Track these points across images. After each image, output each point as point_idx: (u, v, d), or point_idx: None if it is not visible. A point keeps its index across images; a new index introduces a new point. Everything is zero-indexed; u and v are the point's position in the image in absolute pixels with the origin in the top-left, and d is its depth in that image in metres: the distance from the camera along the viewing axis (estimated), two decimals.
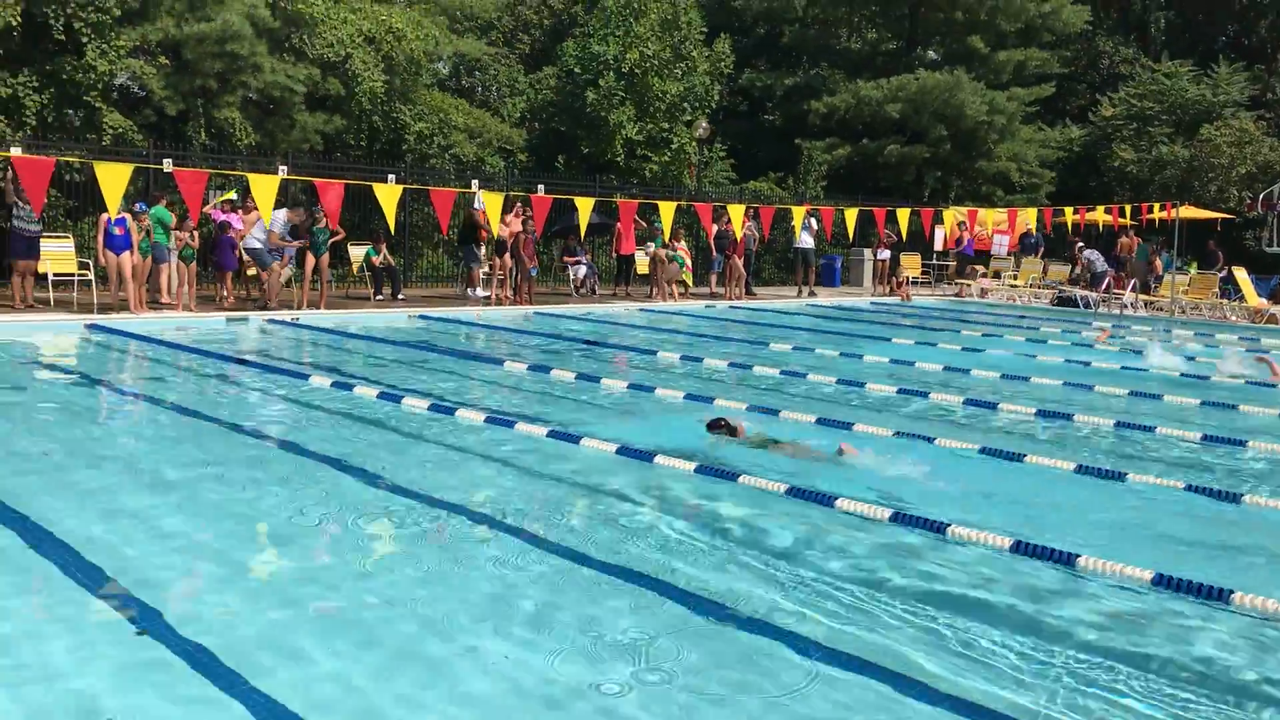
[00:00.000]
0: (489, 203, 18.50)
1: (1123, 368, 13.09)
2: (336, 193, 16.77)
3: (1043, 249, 27.94)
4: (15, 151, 14.85)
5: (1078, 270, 25.26)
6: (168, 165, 15.92)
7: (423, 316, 16.73)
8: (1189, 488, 6.91)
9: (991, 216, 28.15)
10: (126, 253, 14.76)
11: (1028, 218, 27.71)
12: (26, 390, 9.89)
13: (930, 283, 28.24)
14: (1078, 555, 5.26)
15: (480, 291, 19.37)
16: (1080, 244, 26.18)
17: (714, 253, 23.16)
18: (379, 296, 19.11)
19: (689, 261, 23.49)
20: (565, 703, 3.74)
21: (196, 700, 3.61)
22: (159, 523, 5.65)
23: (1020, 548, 5.44)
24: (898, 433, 8.33)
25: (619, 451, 7.38)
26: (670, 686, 3.84)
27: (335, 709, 3.62)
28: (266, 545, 5.55)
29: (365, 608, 4.55)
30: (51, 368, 11.65)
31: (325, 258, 16.87)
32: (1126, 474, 7.15)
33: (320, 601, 4.62)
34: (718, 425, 8.00)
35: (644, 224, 22.11)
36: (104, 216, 14.62)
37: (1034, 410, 9.72)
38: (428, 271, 23.61)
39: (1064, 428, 9.21)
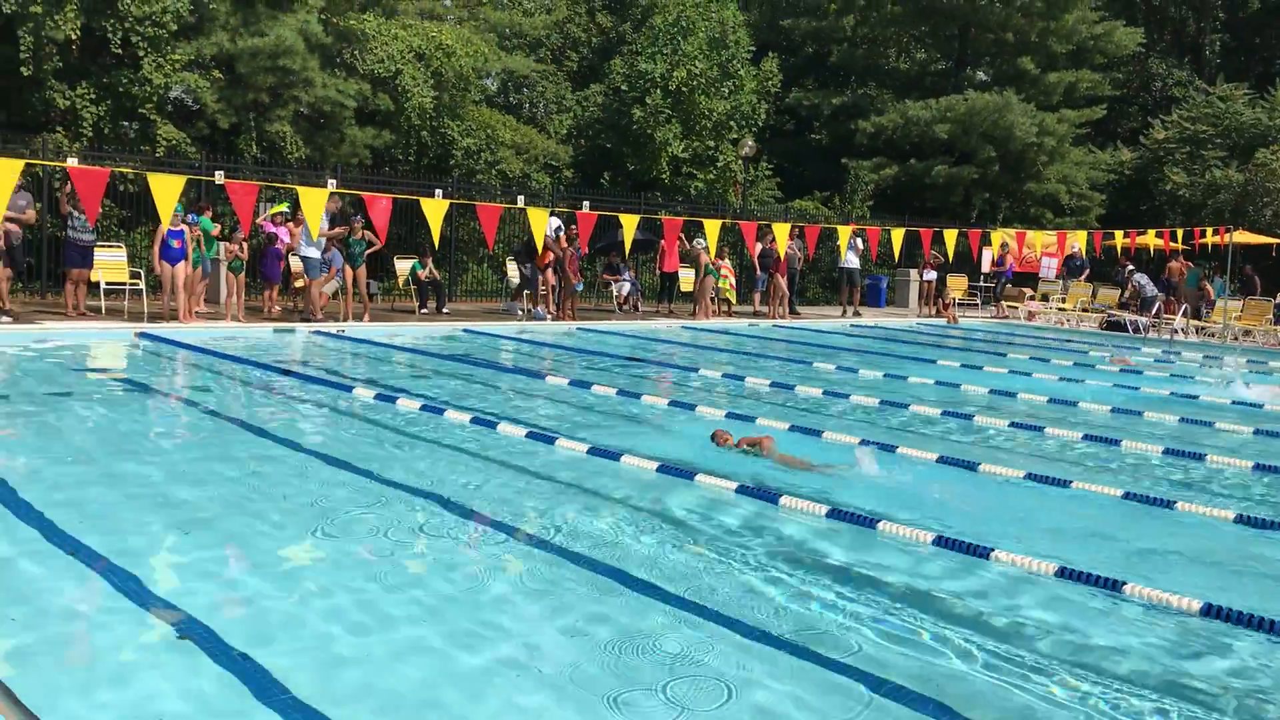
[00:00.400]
0: (534, 219, 18.58)
1: (1172, 394, 12.89)
2: (384, 206, 16.92)
3: (1089, 271, 27.58)
4: (72, 162, 15.13)
5: (1127, 294, 24.94)
6: (219, 177, 16.15)
7: (466, 330, 16.81)
8: (1239, 519, 6.77)
9: (1040, 239, 27.86)
10: (181, 263, 14.98)
11: (1076, 240, 27.40)
12: (75, 395, 10.03)
13: (977, 304, 27.98)
14: (1123, 582, 5.17)
15: (541, 310, 19.37)
16: (1130, 268, 25.86)
17: (758, 271, 23.11)
18: (424, 310, 19.23)
19: (733, 280, 23.45)
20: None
21: (235, 705, 3.62)
22: (198, 528, 5.69)
23: (1064, 573, 5.35)
24: (941, 457, 8.24)
25: (660, 469, 7.35)
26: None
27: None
28: (307, 554, 5.56)
29: (400, 620, 4.56)
30: (101, 374, 11.81)
31: (363, 270, 17.03)
32: (1175, 502, 7.03)
33: (356, 611, 4.63)
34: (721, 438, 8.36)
35: (686, 244, 22.06)
36: (161, 228, 14.84)
37: (1081, 435, 9.59)
38: (472, 286, 23.74)
39: (1111, 453, 9.07)
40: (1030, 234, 28.10)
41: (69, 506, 5.84)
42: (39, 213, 16.55)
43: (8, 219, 13.88)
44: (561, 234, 19.60)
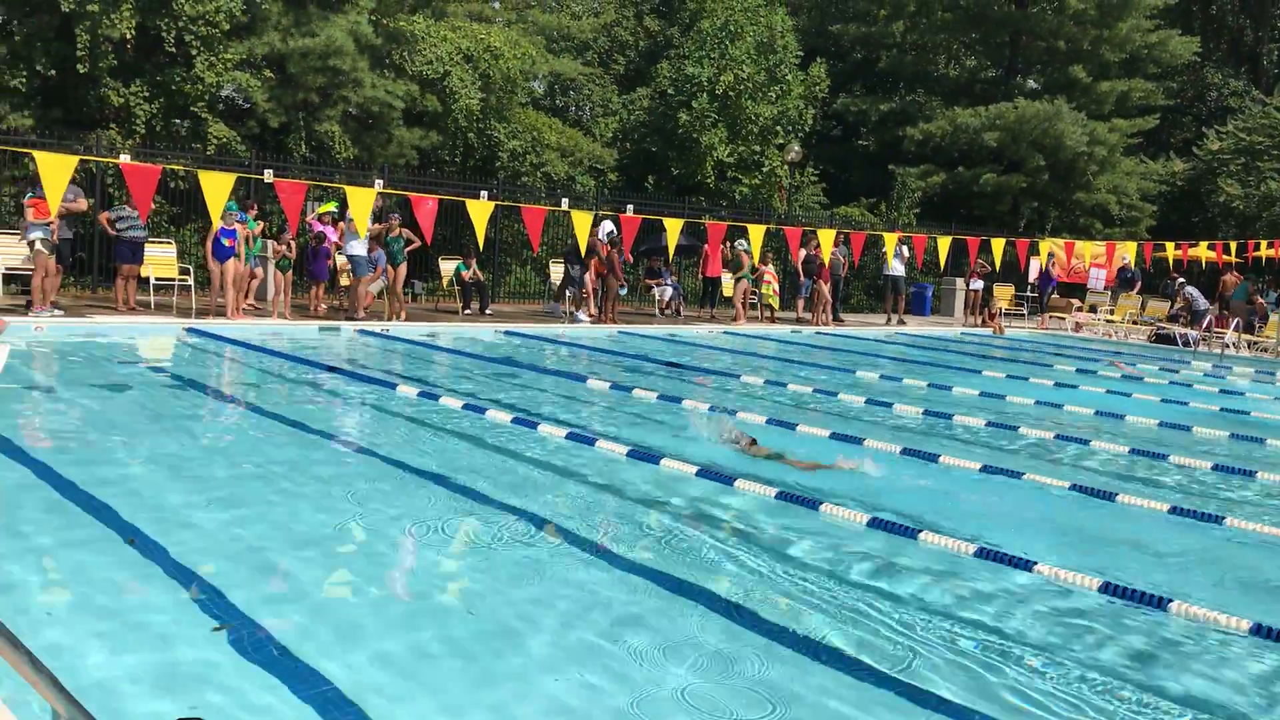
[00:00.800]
0: (578, 222, 18.62)
1: (1222, 409, 12.67)
2: (430, 207, 17.02)
3: (1139, 284, 27.21)
4: (124, 159, 15.34)
5: (1177, 306, 24.57)
6: (268, 176, 16.32)
7: (508, 332, 16.87)
8: None
9: (1089, 249, 27.52)
10: (231, 260, 15.16)
11: (1126, 251, 27.03)
12: (123, 388, 10.16)
13: (1024, 314, 27.67)
14: (1170, 600, 5.07)
15: (583, 314, 19.43)
16: (1181, 280, 25.48)
17: (801, 277, 23.00)
18: (467, 311, 19.32)
19: (776, 286, 23.35)
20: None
21: (272, 696, 3.64)
22: (239, 521, 5.73)
23: (1109, 589, 5.26)
24: (985, 466, 8.14)
25: (698, 474, 7.32)
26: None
27: (399, 715, 3.62)
28: (346, 549, 5.58)
29: (438, 613, 4.56)
30: (150, 367, 11.97)
31: (404, 268, 17.15)
32: (1224, 518, 6.89)
33: (394, 605, 4.64)
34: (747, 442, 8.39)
35: (729, 253, 21.97)
36: (215, 226, 15.02)
37: (1128, 449, 9.44)
38: (515, 288, 23.82)
39: (1158, 467, 8.92)
40: (1079, 244, 27.78)
41: (116, 495, 5.91)
42: (92, 208, 16.80)
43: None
44: (609, 238, 19.64)
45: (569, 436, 8.43)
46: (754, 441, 8.36)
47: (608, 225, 19.47)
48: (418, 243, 17.35)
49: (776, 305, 23.44)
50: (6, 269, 15.76)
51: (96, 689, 3.59)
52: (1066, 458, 9.24)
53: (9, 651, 2.60)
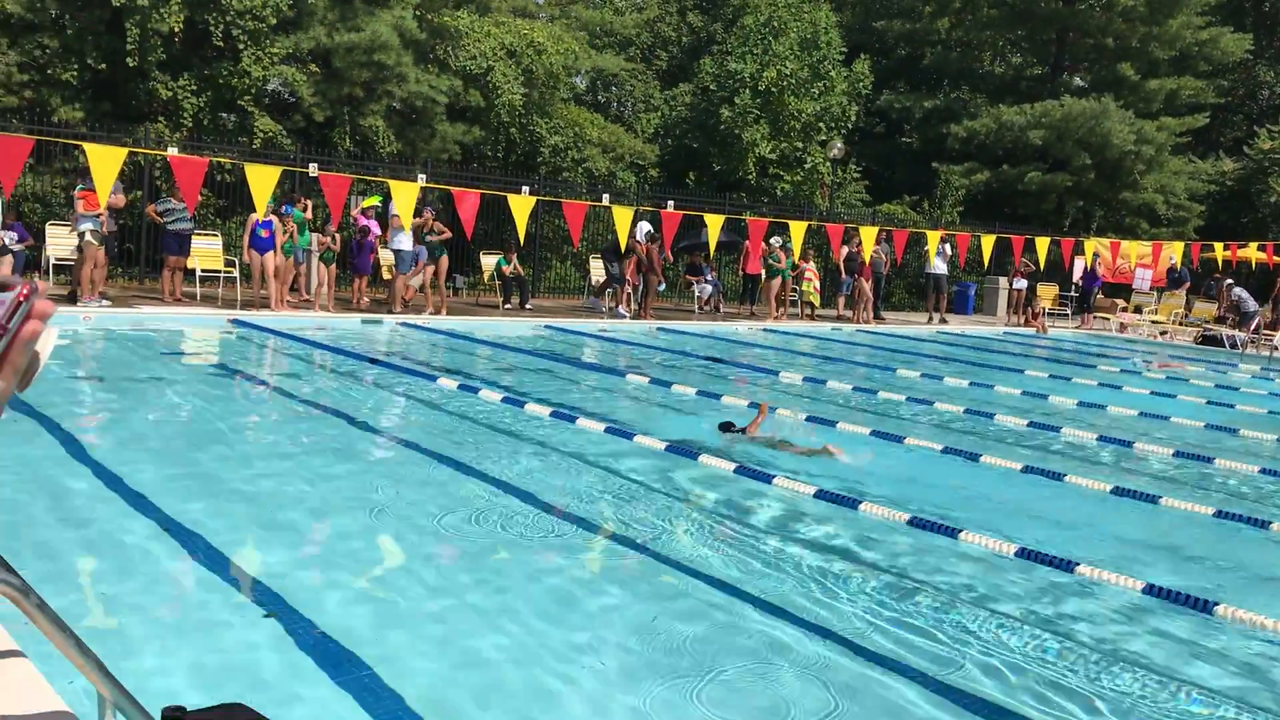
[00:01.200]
0: (618, 218, 18.65)
1: (1270, 412, 12.47)
2: (472, 202, 17.10)
3: (1188, 284, 26.79)
4: (172, 151, 15.54)
5: (1224, 308, 24.21)
6: (313, 170, 16.47)
7: (548, 326, 16.92)
8: None
9: (1135, 249, 27.16)
10: (270, 252, 15.31)
11: (1173, 252, 26.65)
12: (169, 378, 10.30)
13: (1068, 314, 27.37)
14: (1216, 603, 5.01)
15: (622, 309, 19.46)
16: (1229, 281, 25.09)
17: (842, 275, 22.88)
18: (507, 305, 19.40)
19: (817, 283, 23.25)
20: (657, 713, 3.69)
21: (318, 683, 3.68)
22: (282, 511, 5.80)
23: (1152, 590, 5.20)
24: (1026, 467, 8.07)
25: (736, 470, 7.31)
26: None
27: (440, 703, 3.65)
28: (386, 539, 5.63)
29: (478, 606, 4.59)
30: (194, 358, 12.12)
31: (444, 261, 17.28)
32: (1270, 523, 6.79)
33: (432, 598, 4.68)
34: (729, 427, 8.67)
35: (771, 254, 21.82)
36: (252, 217, 15.19)
37: (1172, 451, 9.32)
38: (555, 283, 23.88)
39: (1204, 470, 8.80)
40: (1125, 244, 27.42)
41: (162, 483, 5.99)
42: (138, 200, 17.03)
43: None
44: (647, 237, 19.62)
45: (607, 430, 8.44)
46: (744, 430, 8.64)
47: (645, 226, 19.45)
48: (447, 234, 17.43)
49: (818, 303, 23.33)
50: (57, 259, 16.02)
51: (142, 673, 3.64)
52: (1109, 459, 9.14)
53: (56, 636, 2.64)
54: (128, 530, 5.21)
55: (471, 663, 4.05)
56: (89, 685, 2.68)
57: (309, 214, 16.40)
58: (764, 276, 21.62)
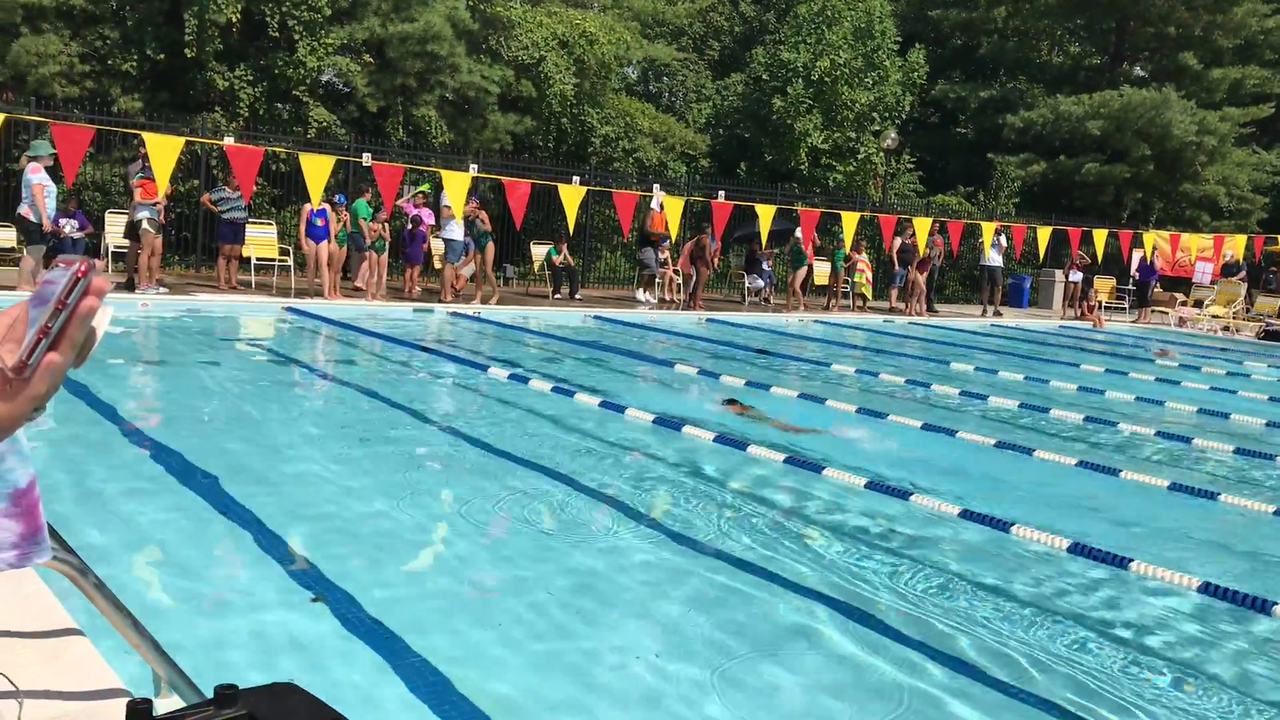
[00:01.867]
0: (669, 207, 18.61)
1: None
2: (522, 192, 17.15)
3: (1243, 274, 26.18)
4: (229, 141, 15.74)
5: None
6: (367, 159, 16.61)
7: (597, 317, 16.93)
8: None
9: (1195, 242, 26.65)
10: (325, 241, 15.46)
11: (1234, 245, 26.10)
12: (224, 363, 10.45)
13: (1125, 308, 26.93)
14: (1275, 603, 4.90)
15: (650, 297, 19.54)
16: None
17: (895, 266, 22.68)
18: (557, 295, 19.44)
19: (869, 275, 23.05)
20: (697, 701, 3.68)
21: (364, 666, 3.70)
22: (332, 494, 5.85)
23: (1208, 589, 5.10)
24: (1080, 462, 7.95)
25: (787, 461, 7.27)
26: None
27: (487, 687, 3.66)
28: (434, 526, 5.66)
29: (520, 588, 4.60)
30: (248, 344, 12.28)
31: (490, 250, 17.38)
32: None
33: (480, 587, 4.69)
34: (731, 403, 9.41)
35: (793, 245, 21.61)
36: (306, 207, 15.34)
37: (1232, 448, 9.14)
38: (605, 273, 23.89)
39: (1262, 467, 8.61)
40: (1185, 236, 26.92)
41: (215, 465, 6.06)
42: (195, 189, 17.25)
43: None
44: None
45: (656, 421, 8.43)
46: (737, 402, 9.42)
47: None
48: (488, 226, 17.47)
49: (870, 294, 23.14)
50: (115, 247, 16.29)
51: (195, 653, 3.68)
52: (1166, 455, 8.98)
53: (113, 614, 2.68)
54: (181, 512, 5.29)
55: (520, 650, 4.05)
56: (145, 664, 2.72)
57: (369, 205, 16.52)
58: (790, 267, 21.50)
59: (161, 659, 2.70)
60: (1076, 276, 25.46)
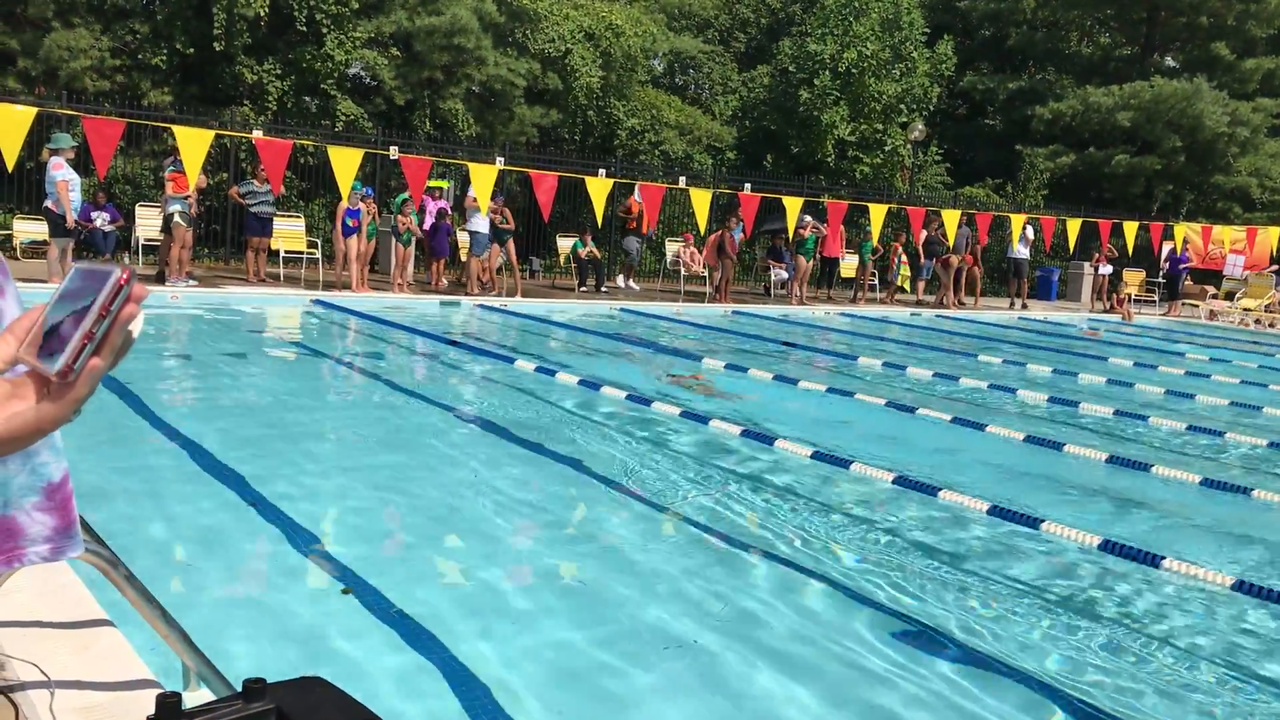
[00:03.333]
0: (696, 199, 18.58)
1: None
2: (549, 184, 17.16)
3: (1276, 267, 25.85)
4: (257, 134, 15.82)
5: None
6: (393, 152, 16.65)
7: (623, 309, 16.93)
8: None
9: (1228, 234, 26.35)
10: (354, 236, 15.54)
11: (1269, 237, 25.78)
12: (253, 355, 10.51)
13: (1154, 301, 26.68)
14: None
15: (635, 285, 19.75)
16: None
17: (922, 259, 22.56)
18: (583, 288, 19.45)
19: (906, 269, 22.90)
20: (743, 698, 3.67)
21: (394, 659, 3.72)
22: (360, 487, 5.87)
23: (1242, 587, 5.05)
24: (1111, 457, 7.88)
25: (814, 456, 7.24)
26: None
27: (517, 681, 3.67)
28: (463, 516, 5.67)
29: (553, 583, 4.61)
30: (276, 336, 12.35)
31: (510, 244, 17.43)
32: None
33: (508, 578, 4.71)
34: (678, 379, 10.41)
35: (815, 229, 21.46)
36: (341, 206, 15.38)
37: (1267, 442, 9.04)
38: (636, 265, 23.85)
39: None
40: (1217, 229, 26.62)
41: (245, 458, 6.10)
42: (224, 182, 17.35)
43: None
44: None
45: (683, 414, 8.42)
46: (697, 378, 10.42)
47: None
48: (510, 225, 17.47)
49: (907, 287, 23.03)
50: (146, 240, 16.43)
51: (224, 646, 3.71)
52: (1197, 449, 8.90)
53: (144, 607, 2.70)
54: (211, 503, 5.32)
55: (549, 644, 4.06)
56: (176, 656, 2.74)
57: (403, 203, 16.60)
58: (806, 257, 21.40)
59: (191, 651, 2.72)
60: (1105, 269, 25.23)
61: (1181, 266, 25.48)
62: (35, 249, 15.55)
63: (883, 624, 4.42)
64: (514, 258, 17.59)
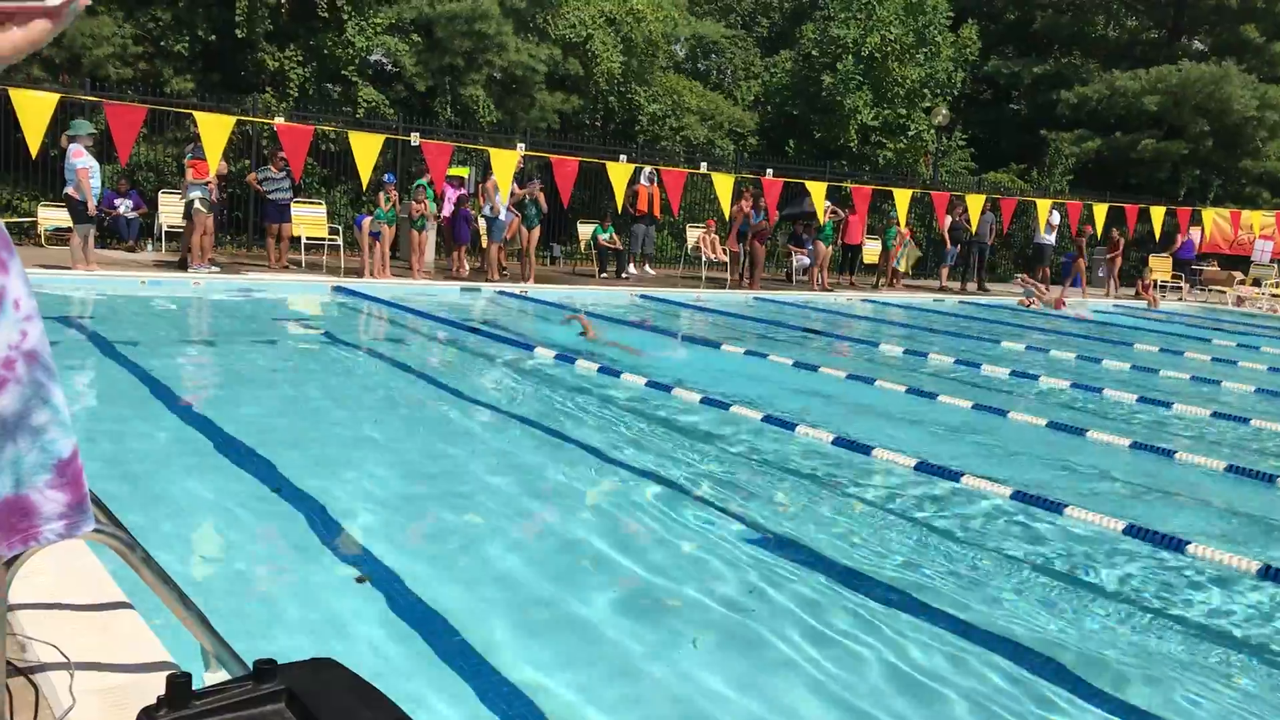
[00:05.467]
0: (718, 184, 18.51)
1: None
2: (570, 170, 17.12)
3: None
4: (279, 120, 15.85)
5: None
6: (415, 139, 16.65)
7: (643, 296, 16.90)
8: None
9: (1258, 219, 26.07)
10: (367, 219, 15.59)
11: None
12: (275, 342, 10.55)
13: (1182, 287, 26.43)
14: None
15: (649, 270, 19.72)
16: None
17: (947, 244, 22.42)
18: (604, 274, 19.43)
19: (909, 252, 22.77)
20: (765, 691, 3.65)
21: (409, 647, 3.72)
22: (379, 473, 5.88)
23: (1267, 573, 4.99)
24: (1134, 443, 7.81)
25: (834, 442, 7.21)
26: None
27: (541, 676, 3.66)
28: (482, 506, 5.67)
29: (572, 572, 4.60)
30: (297, 322, 12.39)
31: (536, 232, 17.40)
32: None
33: (526, 565, 4.70)
34: (572, 319, 11.84)
35: (838, 211, 21.25)
36: (366, 222, 15.41)
37: None
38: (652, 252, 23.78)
39: None
40: (1246, 214, 26.33)
41: (264, 443, 6.12)
42: (246, 168, 17.41)
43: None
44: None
45: (703, 401, 8.40)
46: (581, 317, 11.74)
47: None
48: (545, 211, 17.49)
49: (902, 267, 22.92)
50: (169, 226, 16.50)
51: (241, 628, 3.72)
52: (1223, 437, 8.81)
53: (161, 589, 2.70)
54: (231, 489, 5.34)
55: (566, 634, 4.06)
56: (194, 639, 2.74)
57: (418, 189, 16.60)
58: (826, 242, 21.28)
59: (207, 633, 2.72)
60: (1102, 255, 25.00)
61: (1190, 254, 25.17)
62: (60, 235, 15.64)
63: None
64: (533, 243, 17.56)
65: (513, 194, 17.06)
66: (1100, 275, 25.33)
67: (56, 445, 1.45)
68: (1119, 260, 24.63)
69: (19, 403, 1.16)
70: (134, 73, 17.82)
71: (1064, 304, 20.34)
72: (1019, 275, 23.25)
